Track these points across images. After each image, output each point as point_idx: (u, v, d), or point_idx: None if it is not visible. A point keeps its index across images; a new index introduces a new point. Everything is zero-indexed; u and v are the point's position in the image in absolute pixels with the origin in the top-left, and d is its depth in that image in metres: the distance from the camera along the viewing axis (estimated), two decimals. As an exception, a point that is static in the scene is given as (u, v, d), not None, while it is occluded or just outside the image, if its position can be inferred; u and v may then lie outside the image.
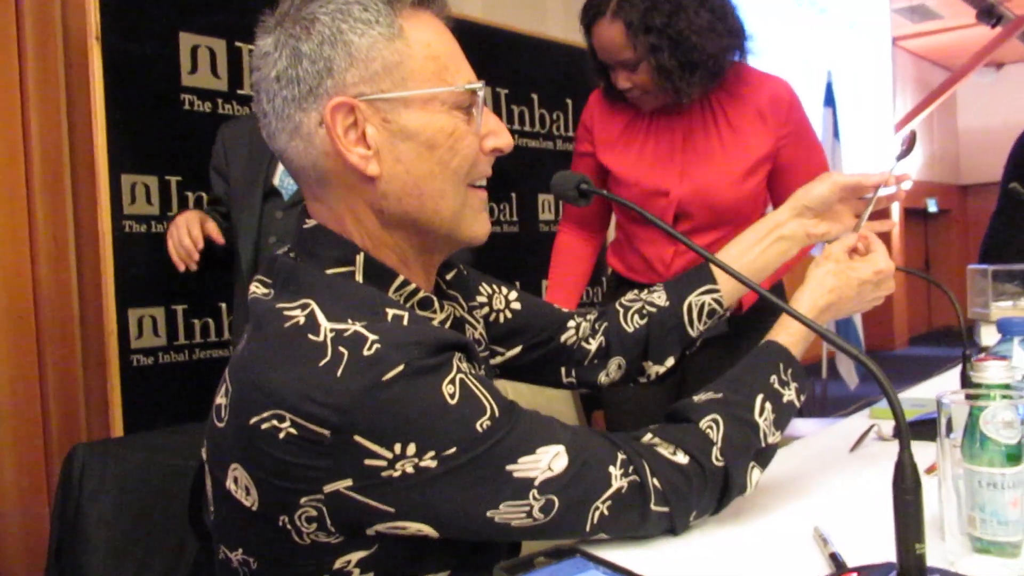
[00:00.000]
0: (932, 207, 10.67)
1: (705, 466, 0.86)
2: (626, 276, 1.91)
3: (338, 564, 0.76)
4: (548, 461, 0.76)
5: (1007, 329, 1.15)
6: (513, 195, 3.23)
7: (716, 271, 1.12)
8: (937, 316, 11.17)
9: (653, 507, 0.83)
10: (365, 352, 0.71)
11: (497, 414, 0.75)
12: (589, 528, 0.80)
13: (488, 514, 0.75)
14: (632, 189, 1.79)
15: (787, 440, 0.96)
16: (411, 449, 0.71)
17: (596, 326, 1.14)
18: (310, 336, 0.73)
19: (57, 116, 2.26)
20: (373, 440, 0.70)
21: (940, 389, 0.82)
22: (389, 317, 0.76)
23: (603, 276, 2.17)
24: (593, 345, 1.13)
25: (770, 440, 0.92)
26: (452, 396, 0.73)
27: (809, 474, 1.13)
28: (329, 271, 0.81)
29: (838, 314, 1.03)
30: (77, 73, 2.25)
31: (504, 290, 1.10)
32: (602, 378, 1.13)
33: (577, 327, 1.13)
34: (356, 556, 0.76)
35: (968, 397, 0.77)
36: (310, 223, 0.85)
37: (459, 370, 0.75)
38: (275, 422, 0.71)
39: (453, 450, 0.72)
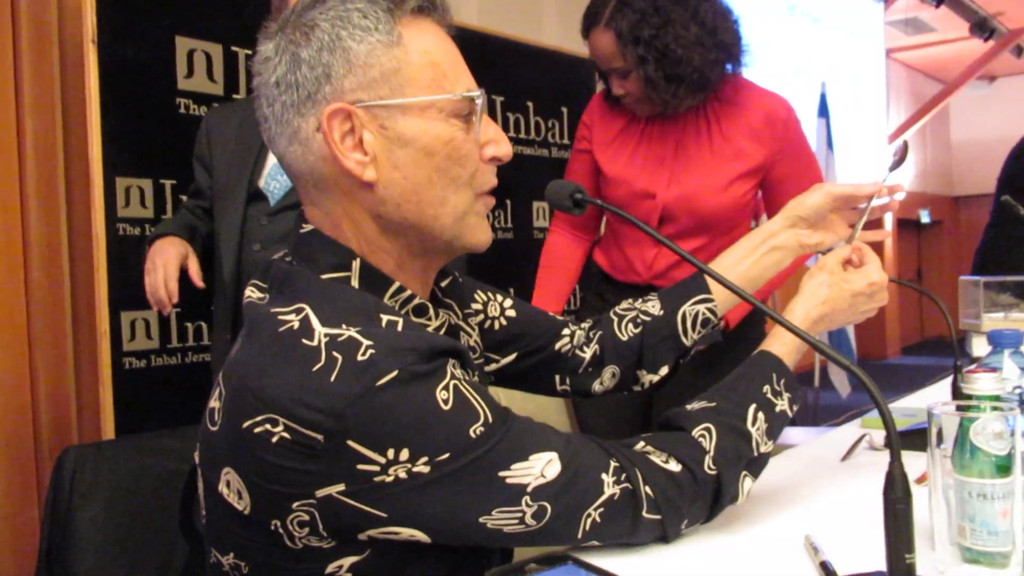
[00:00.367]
0: (925, 218, 10.71)
1: (697, 474, 0.86)
2: (609, 273, 1.96)
3: (330, 569, 0.76)
4: (541, 468, 0.77)
5: (998, 341, 1.16)
6: (508, 202, 3.24)
7: (711, 281, 1.13)
8: (929, 326, 11.20)
9: (645, 515, 0.83)
10: (359, 357, 0.71)
11: (491, 420, 0.75)
12: (581, 535, 0.80)
13: (480, 520, 0.75)
14: (620, 189, 1.83)
15: (779, 449, 0.97)
16: (404, 455, 0.71)
17: (590, 334, 1.15)
18: (304, 341, 0.73)
19: (52, 119, 2.26)
20: (366, 445, 0.70)
21: (931, 399, 0.82)
22: (384, 323, 0.76)
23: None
24: (587, 353, 1.13)
25: (762, 449, 0.92)
26: (446, 402, 0.73)
27: (800, 483, 1.13)
28: (325, 276, 0.81)
29: (831, 325, 1.03)
30: (72, 76, 2.25)
31: (499, 297, 1.10)
32: (596, 386, 1.14)
33: (571, 335, 1.14)
34: (348, 561, 0.75)
35: (959, 408, 0.78)
36: (307, 228, 0.85)
37: (453, 376, 0.75)
38: (268, 426, 0.71)
39: (446, 456, 0.72)
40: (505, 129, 3.15)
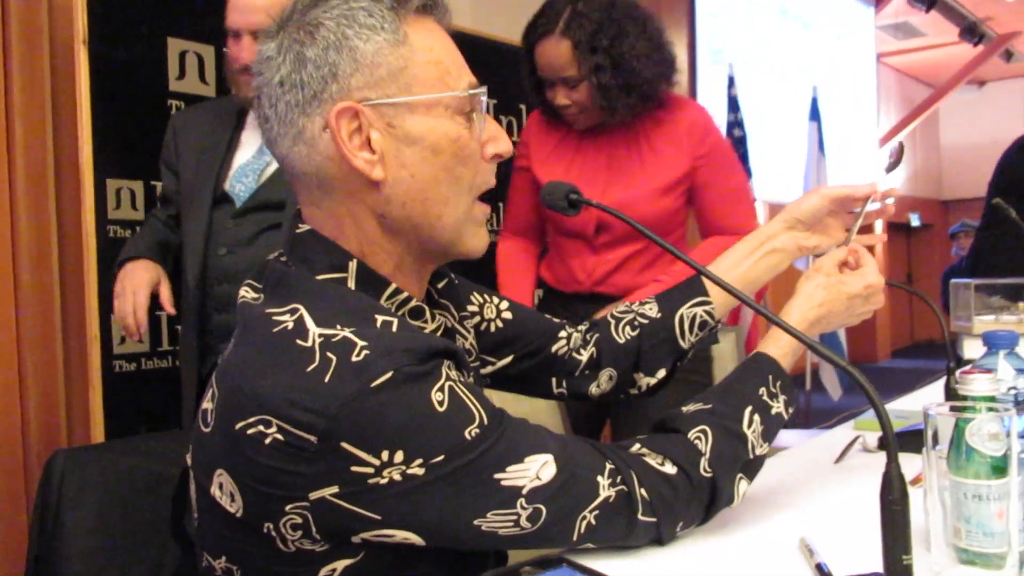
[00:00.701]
0: (915, 221, 10.76)
1: (693, 477, 0.86)
2: (554, 287, 2.04)
3: (323, 572, 0.75)
4: (536, 470, 0.76)
5: (993, 342, 1.16)
6: (500, 205, 3.23)
7: (708, 284, 1.12)
8: (919, 329, 11.26)
9: (640, 517, 0.82)
10: (353, 358, 0.71)
11: (486, 422, 0.75)
12: (576, 538, 0.80)
13: (475, 523, 0.74)
14: None
15: (772, 451, 0.97)
16: (399, 456, 0.70)
17: (587, 337, 1.14)
18: (298, 341, 0.73)
19: (42, 120, 2.24)
20: (360, 447, 0.69)
21: (923, 401, 0.82)
22: (378, 323, 0.76)
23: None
24: (584, 356, 1.13)
25: (758, 452, 0.92)
26: (441, 403, 0.72)
27: (795, 485, 1.13)
28: (320, 277, 0.81)
29: (827, 327, 1.03)
30: (63, 77, 2.23)
31: (495, 299, 1.10)
32: (593, 389, 1.13)
33: (568, 337, 1.13)
34: (341, 564, 0.75)
35: (954, 409, 0.78)
36: (303, 228, 0.84)
37: (448, 378, 0.75)
38: (261, 427, 0.70)
39: (441, 458, 0.71)
40: (498, 132, 3.14)
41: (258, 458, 0.71)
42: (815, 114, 5.44)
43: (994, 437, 0.74)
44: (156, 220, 1.89)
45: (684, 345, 1.12)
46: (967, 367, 0.90)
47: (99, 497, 1.09)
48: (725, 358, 2.39)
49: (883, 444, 1.28)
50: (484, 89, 0.85)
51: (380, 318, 0.77)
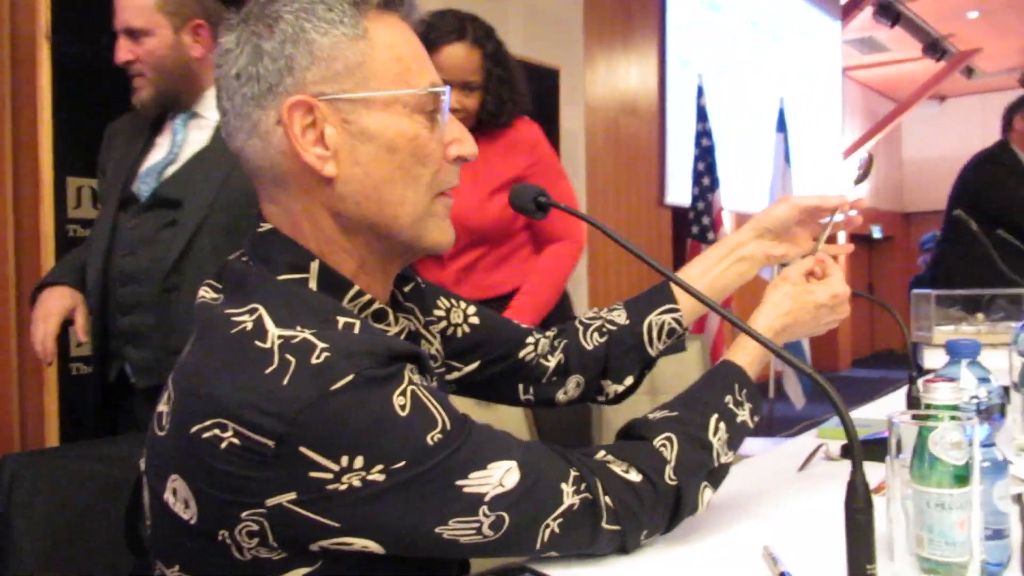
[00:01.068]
0: (876, 233, 10.93)
1: (658, 485, 0.85)
2: None
3: (280, 581, 0.73)
4: (500, 477, 0.75)
5: (956, 351, 1.17)
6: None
7: (676, 292, 1.12)
8: (879, 339, 11.43)
9: (604, 525, 0.82)
10: (313, 360, 0.69)
11: (449, 427, 0.73)
12: (539, 546, 0.79)
13: (436, 530, 0.73)
14: None
15: (736, 459, 0.97)
16: (359, 462, 0.69)
17: (555, 343, 1.13)
18: (257, 342, 0.71)
19: (1, 115, 2.19)
20: (319, 452, 0.68)
21: (884, 410, 0.83)
22: (340, 325, 0.75)
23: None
24: (552, 362, 1.12)
25: (723, 460, 0.92)
26: (403, 408, 0.71)
27: (758, 493, 1.13)
28: (281, 277, 0.79)
29: (793, 336, 1.03)
30: (24, 71, 2.19)
31: (463, 304, 1.08)
32: (560, 396, 1.12)
33: (536, 343, 1.12)
34: (299, 573, 0.73)
35: (917, 418, 0.78)
36: (264, 227, 0.83)
37: (411, 382, 0.73)
38: (217, 431, 0.68)
39: (402, 464, 0.70)
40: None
41: (213, 463, 0.69)
42: (782, 125, 5.50)
43: (956, 446, 0.75)
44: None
45: (652, 352, 1.12)
46: (930, 376, 0.90)
47: (50, 503, 1.06)
48: (690, 366, 2.40)
49: (846, 452, 1.30)
50: (447, 89, 0.84)
51: (342, 320, 0.75)
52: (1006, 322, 2.97)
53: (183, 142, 1.68)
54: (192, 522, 0.72)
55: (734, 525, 0.99)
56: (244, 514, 0.69)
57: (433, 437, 0.72)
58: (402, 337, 0.88)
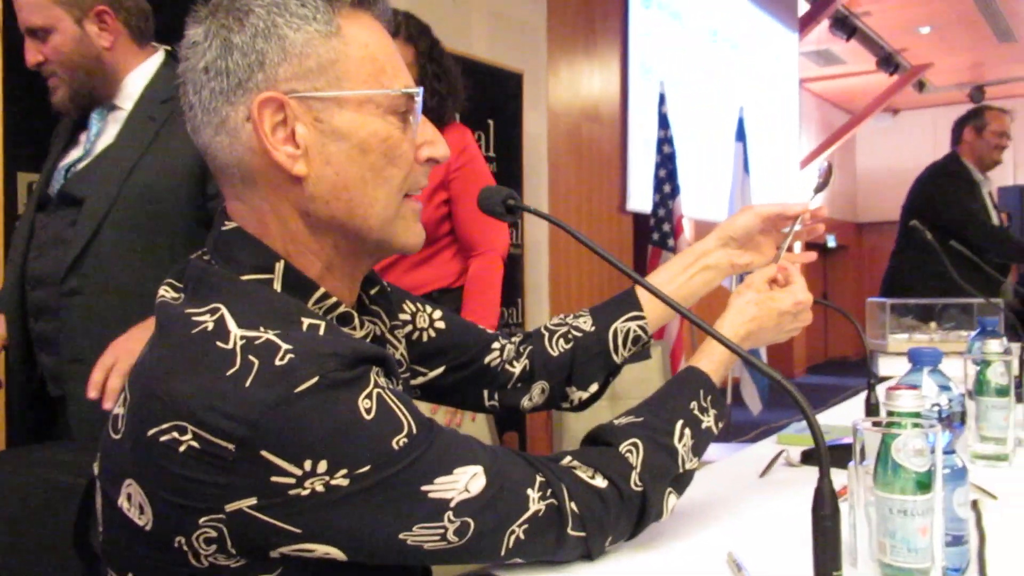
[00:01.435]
0: (831, 243, 11.13)
1: (623, 491, 0.85)
2: None
3: (238, 589, 0.71)
4: (465, 482, 0.74)
5: (918, 359, 1.19)
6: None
7: (642, 299, 1.12)
8: (833, 346, 11.62)
9: (570, 532, 0.81)
10: (277, 362, 0.68)
11: (415, 431, 0.72)
12: (504, 552, 0.78)
13: (400, 536, 0.72)
14: None
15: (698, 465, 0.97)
16: (322, 466, 0.67)
17: (520, 349, 1.13)
18: (218, 343, 0.69)
19: (-52, 106, 2.12)
20: (281, 456, 0.66)
21: (841, 417, 0.84)
22: (305, 326, 0.73)
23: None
24: (517, 368, 1.11)
25: (688, 466, 0.92)
26: (368, 411, 0.70)
27: (721, 499, 1.13)
28: (245, 277, 0.77)
29: (758, 343, 1.04)
30: (-28, 62, 2.12)
31: (428, 309, 1.07)
32: (525, 402, 1.12)
33: (501, 349, 1.11)
34: (258, 581, 0.71)
35: (879, 425, 0.79)
36: (229, 225, 0.80)
37: (376, 385, 0.72)
38: (175, 434, 0.66)
39: (367, 468, 0.69)
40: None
41: (171, 467, 0.67)
42: (741, 134, 5.57)
43: (919, 453, 0.75)
44: None
45: (617, 360, 1.12)
46: (892, 383, 0.91)
47: (-5, 508, 1.02)
48: (651, 372, 2.41)
49: (806, 458, 1.31)
50: (420, 90, 0.82)
51: (307, 321, 0.73)
52: (958, 331, 3.04)
53: (96, 137, 1.62)
54: (147, 528, 0.70)
55: (698, 531, 0.99)
56: (202, 520, 0.67)
57: (399, 441, 0.71)
58: (368, 341, 0.86)
